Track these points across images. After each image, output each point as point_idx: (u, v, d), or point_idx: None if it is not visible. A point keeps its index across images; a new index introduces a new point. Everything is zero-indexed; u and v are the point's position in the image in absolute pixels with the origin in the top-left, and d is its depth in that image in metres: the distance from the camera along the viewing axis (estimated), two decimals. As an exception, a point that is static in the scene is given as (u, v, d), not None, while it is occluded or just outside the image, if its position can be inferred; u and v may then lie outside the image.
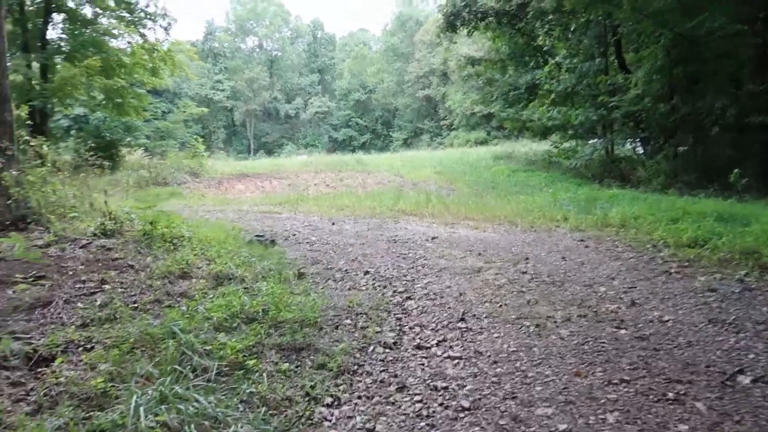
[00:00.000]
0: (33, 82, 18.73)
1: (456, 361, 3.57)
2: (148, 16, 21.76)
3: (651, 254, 6.13)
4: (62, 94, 19.82)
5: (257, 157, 51.09)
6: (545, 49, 21.13)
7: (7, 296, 4.15)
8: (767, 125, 11.46)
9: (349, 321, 4.30)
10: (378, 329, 4.13)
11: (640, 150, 19.37)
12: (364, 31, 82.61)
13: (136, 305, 4.15)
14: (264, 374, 3.23)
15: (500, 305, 4.52)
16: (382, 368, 3.52)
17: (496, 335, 3.91)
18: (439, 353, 3.70)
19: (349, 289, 5.27)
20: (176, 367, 3.09)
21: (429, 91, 56.45)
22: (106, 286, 4.49)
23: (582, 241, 7.19)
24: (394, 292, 5.17)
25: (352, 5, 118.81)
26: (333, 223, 9.45)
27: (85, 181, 8.86)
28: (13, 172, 6.28)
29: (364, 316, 4.42)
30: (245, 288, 4.82)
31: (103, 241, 5.72)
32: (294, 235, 8.18)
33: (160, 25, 21.99)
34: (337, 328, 4.15)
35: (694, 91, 14.10)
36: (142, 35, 21.93)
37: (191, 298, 4.48)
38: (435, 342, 3.88)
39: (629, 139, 18.54)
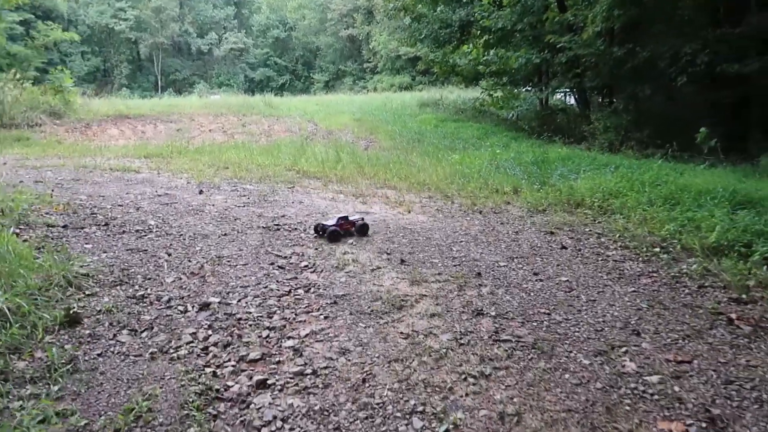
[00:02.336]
0: None
1: None
2: None
3: (669, 268, 3.89)
4: None
5: (165, 95, 46.14)
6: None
7: None
8: (743, 76, 9.58)
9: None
10: None
11: (571, 101, 17.63)
12: (285, -39, 76.41)
13: None
14: None
15: (446, 427, 2.13)
16: None
17: None
18: None
19: (152, 356, 2.70)
20: None
21: (353, 30, 52.71)
22: None
23: (551, 234, 4.90)
24: (240, 361, 2.66)
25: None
26: (200, 191, 6.74)
27: None
28: None
29: (137, 470, 1.91)
30: None
31: None
32: (129, 213, 5.43)
33: None
34: None
35: (653, 33, 12.12)
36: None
37: None
38: None
39: (563, 89, 16.68)
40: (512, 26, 15.29)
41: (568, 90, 16.93)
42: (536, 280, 3.70)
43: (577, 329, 2.95)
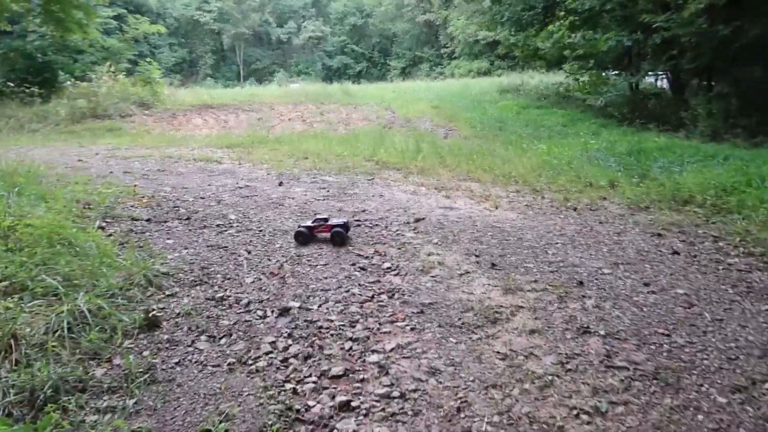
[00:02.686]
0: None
1: None
2: None
3: (808, 282, 3.38)
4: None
5: (246, 84, 47.43)
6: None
7: None
8: None
9: None
10: None
11: (664, 85, 16.43)
12: (362, -52, 76.33)
13: None
14: None
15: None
16: None
17: None
18: None
19: (230, 368, 2.55)
20: None
21: (430, 15, 51.93)
22: None
23: (659, 236, 4.41)
24: (322, 377, 2.46)
25: None
26: (280, 183, 6.67)
27: None
28: None
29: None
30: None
31: None
32: (210, 206, 5.41)
33: None
34: None
35: (762, 10, 10.96)
36: None
37: None
38: None
39: (654, 72, 15.55)
40: (600, 6, 14.37)
41: (660, 73, 15.81)
42: (648, 292, 3.27)
43: (705, 356, 2.54)
